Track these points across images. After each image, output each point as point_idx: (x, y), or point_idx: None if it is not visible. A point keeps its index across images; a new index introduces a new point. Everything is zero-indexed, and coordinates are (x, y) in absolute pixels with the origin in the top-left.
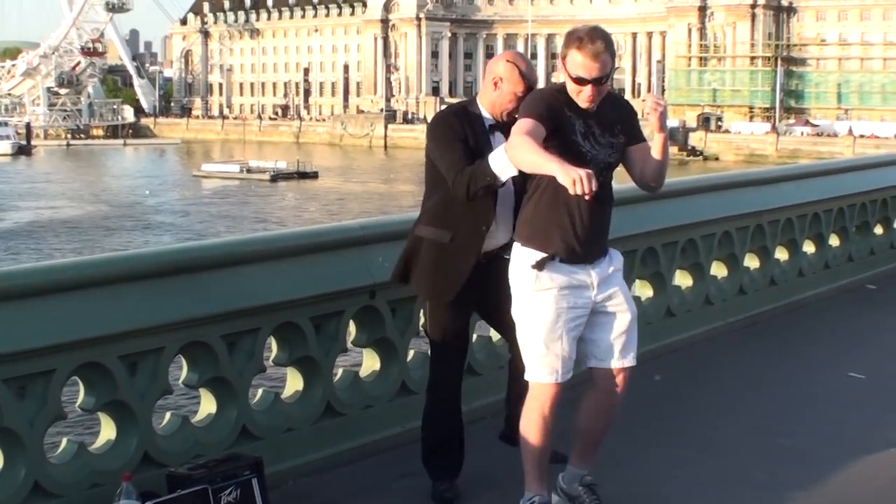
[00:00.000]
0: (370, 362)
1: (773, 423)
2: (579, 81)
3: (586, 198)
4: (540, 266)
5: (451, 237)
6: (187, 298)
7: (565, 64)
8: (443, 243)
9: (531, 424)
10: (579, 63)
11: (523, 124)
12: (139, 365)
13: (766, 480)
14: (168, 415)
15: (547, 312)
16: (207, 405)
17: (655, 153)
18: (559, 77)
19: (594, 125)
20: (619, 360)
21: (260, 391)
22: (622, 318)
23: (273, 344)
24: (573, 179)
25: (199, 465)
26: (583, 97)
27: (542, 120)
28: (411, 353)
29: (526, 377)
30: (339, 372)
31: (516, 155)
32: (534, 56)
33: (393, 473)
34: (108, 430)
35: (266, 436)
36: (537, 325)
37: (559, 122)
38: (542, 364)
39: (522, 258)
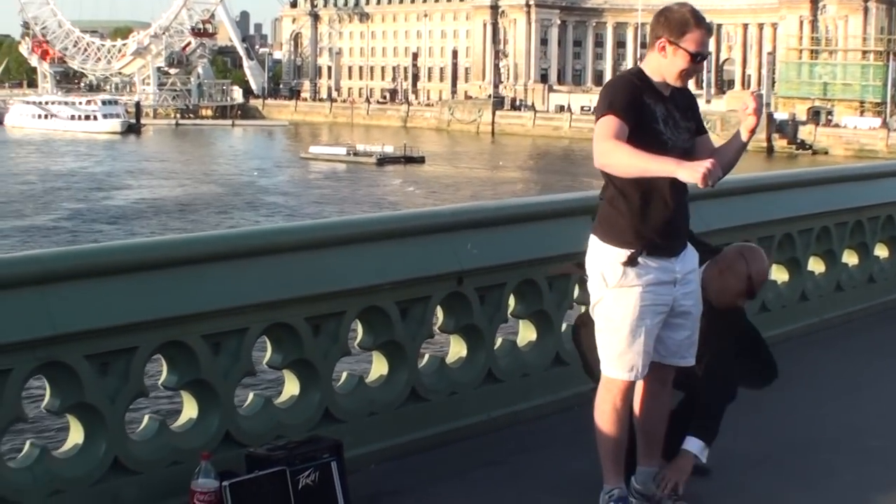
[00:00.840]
0: (457, 349)
1: (864, 423)
2: (696, 58)
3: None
4: (631, 262)
5: None
6: (272, 280)
7: (680, 43)
8: None
9: (605, 418)
10: (700, 40)
11: (609, 125)
12: (222, 345)
13: (853, 481)
14: (251, 395)
15: (632, 309)
16: (291, 387)
17: (733, 150)
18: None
19: (673, 109)
20: (681, 359)
21: (344, 374)
22: (693, 318)
23: (358, 327)
24: (703, 175)
25: (278, 446)
26: (688, 76)
27: (625, 115)
28: (499, 340)
29: (602, 371)
30: (426, 357)
31: (616, 163)
32: (643, 45)
33: (475, 461)
34: (190, 409)
35: (348, 419)
36: (621, 321)
37: (640, 112)
38: (623, 361)
39: (605, 255)
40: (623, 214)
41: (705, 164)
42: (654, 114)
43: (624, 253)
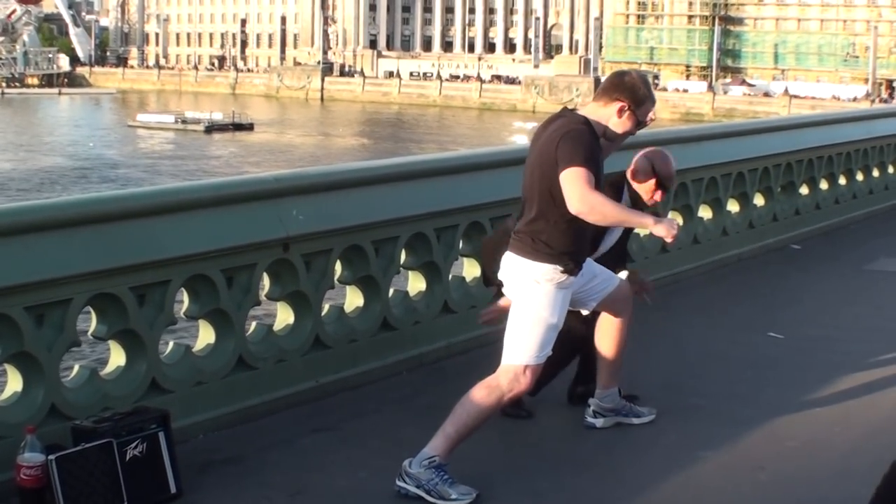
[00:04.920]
0: (284, 315)
1: (688, 382)
2: (642, 125)
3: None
4: (571, 273)
5: None
6: (95, 249)
7: (637, 111)
8: None
9: (491, 402)
10: (650, 110)
11: (584, 176)
12: (46, 316)
13: (677, 440)
14: (76, 367)
15: (560, 306)
16: (117, 357)
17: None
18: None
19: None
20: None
21: (171, 344)
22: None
23: (184, 296)
24: (673, 234)
25: (104, 418)
26: (628, 136)
27: (593, 168)
28: (325, 306)
29: (515, 361)
30: (252, 325)
31: (602, 213)
32: (471, 11)
33: (305, 428)
34: (14, 383)
35: (176, 389)
36: (550, 316)
37: (597, 165)
38: (542, 348)
39: (539, 267)
40: (558, 239)
41: (672, 223)
42: (600, 163)
43: (559, 268)
